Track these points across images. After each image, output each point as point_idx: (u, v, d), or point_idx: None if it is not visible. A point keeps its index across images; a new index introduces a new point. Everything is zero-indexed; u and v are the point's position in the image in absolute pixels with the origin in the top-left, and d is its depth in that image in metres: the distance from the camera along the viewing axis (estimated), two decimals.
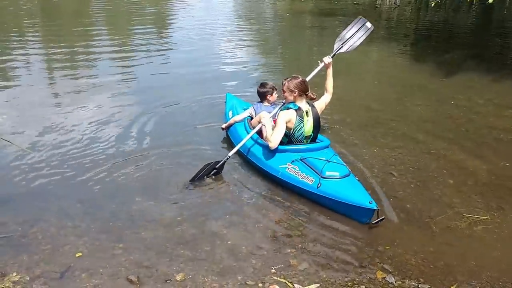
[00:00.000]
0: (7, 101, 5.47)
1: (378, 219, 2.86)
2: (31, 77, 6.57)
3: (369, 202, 2.87)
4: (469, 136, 4.38)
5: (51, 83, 6.40)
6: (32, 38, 9.63)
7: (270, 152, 3.60)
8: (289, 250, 2.62)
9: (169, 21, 12.56)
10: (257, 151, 3.76)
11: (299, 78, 3.61)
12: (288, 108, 3.60)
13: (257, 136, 3.86)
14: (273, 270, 2.44)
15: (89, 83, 6.20)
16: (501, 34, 9.90)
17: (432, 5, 7.89)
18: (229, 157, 3.68)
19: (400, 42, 9.10)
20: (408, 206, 3.12)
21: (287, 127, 3.57)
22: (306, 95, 3.60)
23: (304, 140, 3.63)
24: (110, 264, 2.47)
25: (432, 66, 7.14)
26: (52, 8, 14.39)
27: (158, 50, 8.28)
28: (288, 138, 3.62)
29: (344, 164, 3.35)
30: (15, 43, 8.92)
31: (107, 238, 2.71)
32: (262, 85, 4.27)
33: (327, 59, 3.85)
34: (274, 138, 3.50)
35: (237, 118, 4.27)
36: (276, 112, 3.83)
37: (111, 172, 3.55)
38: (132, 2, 14.88)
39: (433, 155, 3.94)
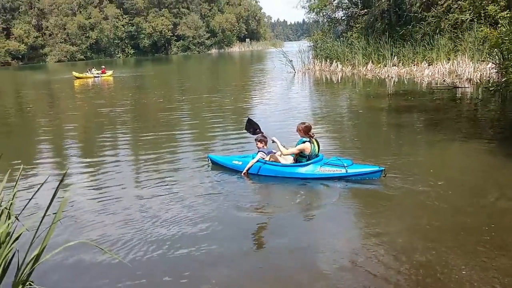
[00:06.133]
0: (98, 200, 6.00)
1: (385, 174, 6.44)
2: (122, 177, 7.20)
3: (379, 167, 6.50)
4: None
5: (139, 184, 6.96)
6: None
7: (304, 167, 6.77)
8: None
9: (245, 110, 13.33)
10: (293, 169, 6.87)
11: (305, 123, 6.95)
12: (303, 142, 6.85)
13: (290, 165, 6.98)
14: None
15: (171, 181, 6.68)
16: None
17: None
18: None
19: (485, 139, 8.82)
20: None
21: (305, 151, 6.82)
22: (309, 133, 6.87)
23: (314, 157, 6.85)
24: None
25: None
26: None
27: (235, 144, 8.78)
28: (307, 158, 6.83)
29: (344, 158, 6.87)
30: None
31: None
32: (263, 136, 7.46)
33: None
34: (290, 153, 7.01)
35: (253, 161, 7.12)
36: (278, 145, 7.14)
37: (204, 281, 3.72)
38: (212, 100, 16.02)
39: None
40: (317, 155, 6.89)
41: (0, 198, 3.60)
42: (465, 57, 19.21)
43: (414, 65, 22.05)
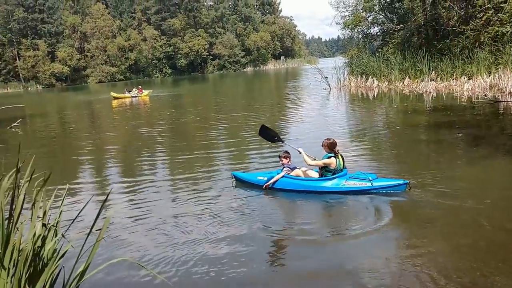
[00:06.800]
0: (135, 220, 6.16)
1: (410, 187, 6.52)
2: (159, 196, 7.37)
3: (403, 180, 6.57)
4: None
5: (176, 203, 7.10)
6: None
7: (330, 181, 6.86)
8: None
9: (281, 128, 13.34)
10: (319, 183, 6.96)
11: (330, 140, 7.11)
12: (329, 157, 6.99)
13: (316, 179, 7.13)
14: None
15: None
16: None
17: None
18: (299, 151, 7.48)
19: None
20: None
21: (330, 166, 6.98)
22: (334, 149, 7.03)
23: (339, 171, 6.97)
24: None
25: None
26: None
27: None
28: (332, 172, 6.97)
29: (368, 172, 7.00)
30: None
31: None
32: (287, 152, 7.72)
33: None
34: (315, 164, 7.18)
35: (278, 177, 7.24)
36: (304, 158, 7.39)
37: None
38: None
39: None
40: (342, 170, 7.05)
41: (47, 216, 3.76)
42: (507, 70, 18.60)
43: (453, 80, 21.55)
